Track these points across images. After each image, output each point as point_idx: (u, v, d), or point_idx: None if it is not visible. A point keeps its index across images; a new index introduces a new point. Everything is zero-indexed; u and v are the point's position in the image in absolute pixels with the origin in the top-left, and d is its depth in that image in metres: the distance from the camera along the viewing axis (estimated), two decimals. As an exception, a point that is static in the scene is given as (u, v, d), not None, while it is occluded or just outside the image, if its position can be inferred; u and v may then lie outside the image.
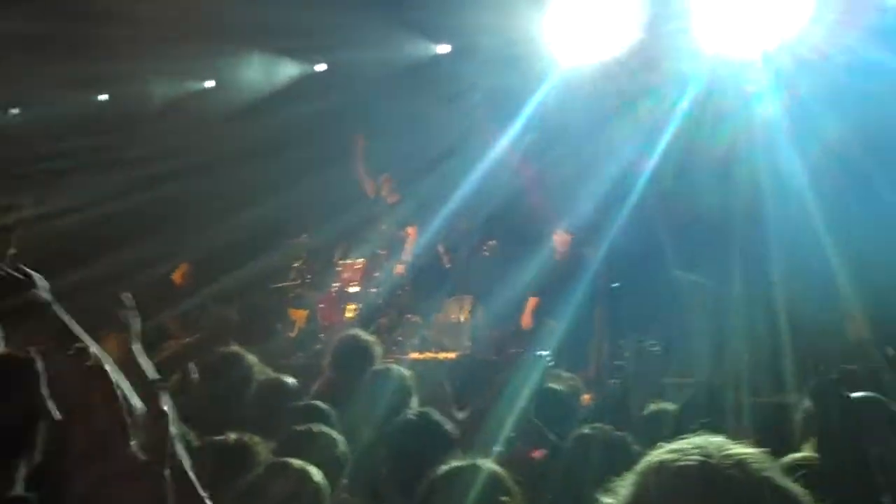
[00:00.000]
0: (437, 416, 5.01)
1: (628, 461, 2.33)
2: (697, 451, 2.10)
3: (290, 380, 5.88)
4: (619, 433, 4.69)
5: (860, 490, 3.17)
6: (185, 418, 4.00)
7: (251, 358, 5.91)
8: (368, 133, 12.78)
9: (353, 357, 6.19)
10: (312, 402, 5.55)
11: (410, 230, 12.27)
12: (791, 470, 3.34)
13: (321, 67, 13.88)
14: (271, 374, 6.06)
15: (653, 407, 5.92)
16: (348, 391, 5.78)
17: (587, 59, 11.76)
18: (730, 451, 2.09)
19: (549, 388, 5.86)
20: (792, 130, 10.52)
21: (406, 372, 5.88)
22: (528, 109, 12.17)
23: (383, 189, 12.55)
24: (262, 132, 12.86)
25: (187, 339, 6.66)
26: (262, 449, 4.43)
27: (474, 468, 3.72)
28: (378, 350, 6.36)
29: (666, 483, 2.08)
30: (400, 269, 12.18)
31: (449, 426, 4.97)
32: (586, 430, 4.76)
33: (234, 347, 6.01)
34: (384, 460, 4.77)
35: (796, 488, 2.11)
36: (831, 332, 9.11)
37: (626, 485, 2.14)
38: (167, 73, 13.46)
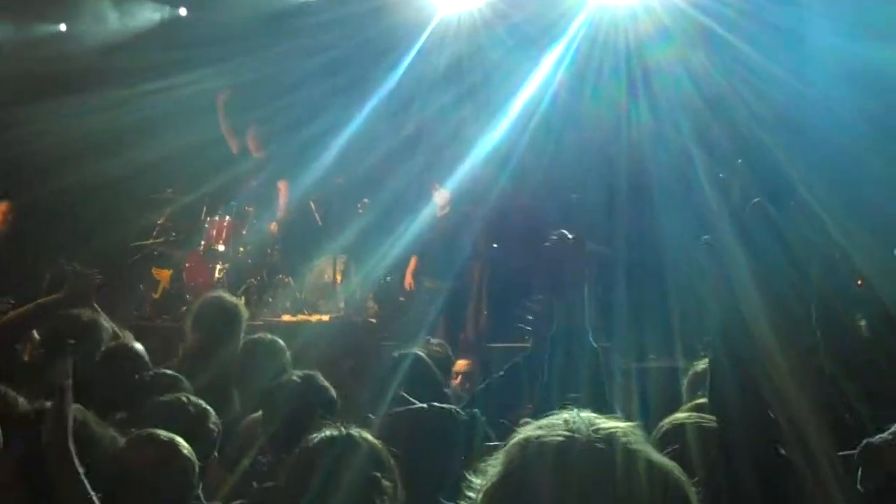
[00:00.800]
0: (321, 379, 4.90)
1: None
2: (565, 426, 1.99)
3: (138, 345, 5.67)
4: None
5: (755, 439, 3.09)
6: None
7: (104, 323, 5.79)
8: (233, 85, 12.19)
9: (217, 319, 6.01)
10: (165, 371, 5.39)
11: (282, 185, 11.81)
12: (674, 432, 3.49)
13: (182, 12, 13.27)
14: (125, 340, 5.87)
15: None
16: (213, 356, 5.68)
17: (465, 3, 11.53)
18: (598, 426, 1.99)
19: (413, 355, 5.58)
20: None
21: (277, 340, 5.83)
22: (405, 60, 11.88)
23: (250, 143, 12.00)
24: (121, 79, 12.17)
25: (41, 300, 6.12)
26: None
27: (349, 439, 3.55)
28: (244, 312, 6.19)
29: (531, 460, 1.98)
30: (273, 226, 11.77)
31: (332, 391, 4.88)
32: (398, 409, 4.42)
33: (88, 311, 5.83)
34: (264, 425, 4.69)
35: (669, 463, 2.01)
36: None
37: (493, 463, 2.03)
38: (11, 13, 12.59)
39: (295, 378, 4.82)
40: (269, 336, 5.89)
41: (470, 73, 11.87)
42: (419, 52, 11.83)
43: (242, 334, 5.96)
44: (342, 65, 12.08)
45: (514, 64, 11.60)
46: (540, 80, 11.47)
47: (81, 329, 5.47)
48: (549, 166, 11.41)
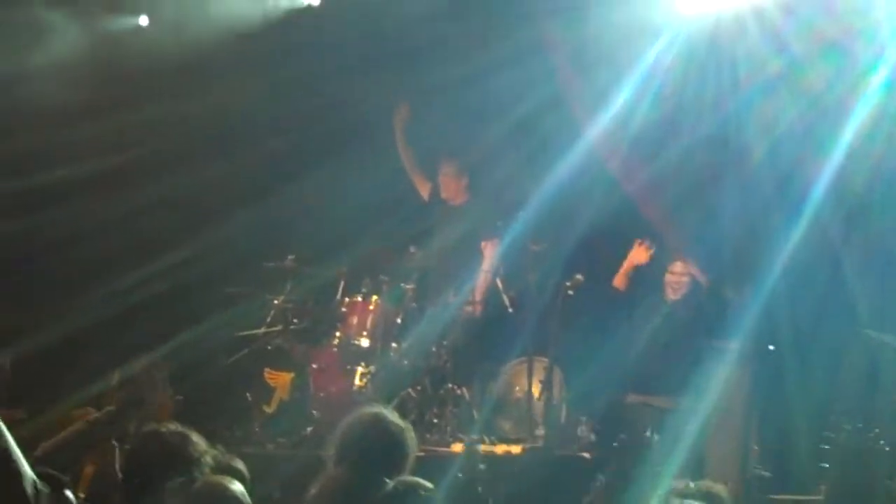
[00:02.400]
0: None
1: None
2: None
3: (236, 487, 4.67)
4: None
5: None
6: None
7: (198, 446, 4.79)
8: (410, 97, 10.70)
9: (374, 450, 4.97)
10: None
11: (487, 245, 10.13)
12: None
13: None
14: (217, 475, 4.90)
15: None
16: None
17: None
18: None
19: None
20: None
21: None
22: (638, 74, 9.86)
23: (445, 184, 10.41)
24: (229, 91, 10.59)
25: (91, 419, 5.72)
26: None
27: None
28: (412, 441, 5.15)
29: None
30: (474, 309, 10.05)
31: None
32: None
33: (173, 427, 4.85)
34: None
35: None
36: None
37: None
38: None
39: None
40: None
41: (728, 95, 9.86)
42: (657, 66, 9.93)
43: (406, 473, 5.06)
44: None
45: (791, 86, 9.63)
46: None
47: (171, 456, 4.71)
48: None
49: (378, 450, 5.11)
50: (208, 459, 5.04)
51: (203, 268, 10.73)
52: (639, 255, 9.80)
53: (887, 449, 7.93)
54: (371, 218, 10.77)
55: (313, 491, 5.26)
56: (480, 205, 10.59)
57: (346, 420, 5.43)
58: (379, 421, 5.27)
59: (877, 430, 7.98)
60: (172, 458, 4.84)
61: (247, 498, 4.86)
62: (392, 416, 5.36)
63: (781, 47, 9.53)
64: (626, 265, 9.87)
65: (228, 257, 10.66)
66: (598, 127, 9.98)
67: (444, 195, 10.72)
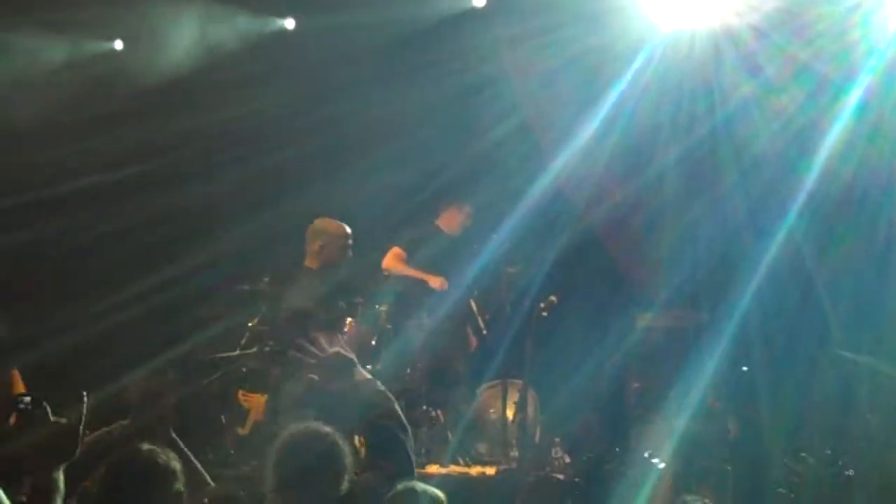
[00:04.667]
0: None
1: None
2: None
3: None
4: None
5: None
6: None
7: (178, 464, 4.86)
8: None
9: (321, 468, 4.99)
10: None
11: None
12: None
13: (290, 24, 11.21)
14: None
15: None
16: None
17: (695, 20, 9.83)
18: None
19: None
20: None
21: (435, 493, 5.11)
22: (615, 91, 9.93)
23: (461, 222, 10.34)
24: (204, 114, 10.54)
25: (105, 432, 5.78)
26: None
27: None
28: (343, 451, 5.10)
29: None
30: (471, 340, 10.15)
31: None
32: None
33: (155, 448, 4.88)
34: None
35: None
36: None
37: None
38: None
39: None
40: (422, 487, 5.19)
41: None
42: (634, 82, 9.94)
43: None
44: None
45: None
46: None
47: (150, 474, 4.77)
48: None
49: (312, 469, 5.05)
50: (182, 477, 4.99)
51: (177, 291, 10.52)
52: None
53: (851, 474, 7.88)
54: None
55: None
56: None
57: (276, 444, 5.37)
58: (312, 432, 5.24)
59: (841, 462, 7.91)
60: (149, 477, 4.81)
61: None
62: (326, 429, 5.31)
63: (754, 70, 9.44)
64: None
65: (203, 280, 10.48)
66: (570, 153, 9.77)
67: (448, 230, 10.41)
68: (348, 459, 5.29)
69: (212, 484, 5.90)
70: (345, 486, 5.17)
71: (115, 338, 10.23)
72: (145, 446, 5.05)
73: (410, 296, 10.36)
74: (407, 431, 6.66)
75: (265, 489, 5.30)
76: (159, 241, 10.51)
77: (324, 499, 5.13)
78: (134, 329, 10.38)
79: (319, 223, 8.13)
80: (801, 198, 9.05)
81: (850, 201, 9.10)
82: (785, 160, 9.24)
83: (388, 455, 6.23)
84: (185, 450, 5.79)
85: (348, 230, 8.00)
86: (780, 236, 9.04)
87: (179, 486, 5.02)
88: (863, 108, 9.01)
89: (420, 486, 4.87)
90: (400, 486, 4.81)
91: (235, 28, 11.08)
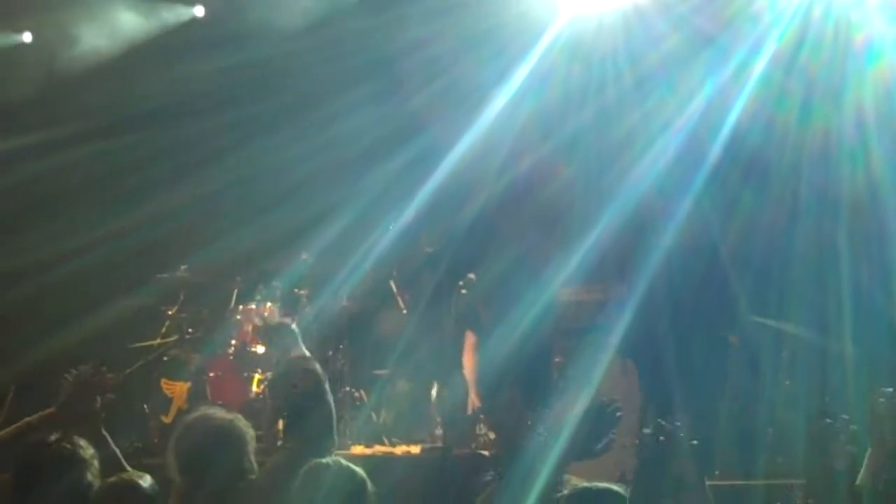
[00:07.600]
0: None
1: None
2: None
3: (146, 482, 4.87)
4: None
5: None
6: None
7: (87, 453, 4.94)
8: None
9: (215, 451, 4.99)
10: None
11: None
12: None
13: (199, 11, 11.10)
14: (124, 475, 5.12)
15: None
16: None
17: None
18: None
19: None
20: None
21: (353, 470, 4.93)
22: (524, 70, 10.00)
23: None
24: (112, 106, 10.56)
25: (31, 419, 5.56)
26: None
27: None
28: (243, 436, 5.20)
29: None
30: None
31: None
32: None
33: (66, 440, 4.96)
34: None
35: None
36: None
37: None
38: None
39: None
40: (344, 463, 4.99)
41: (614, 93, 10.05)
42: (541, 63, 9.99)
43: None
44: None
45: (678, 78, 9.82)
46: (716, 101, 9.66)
47: (56, 464, 4.87)
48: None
49: (206, 453, 5.03)
50: (96, 463, 5.05)
51: (96, 280, 10.54)
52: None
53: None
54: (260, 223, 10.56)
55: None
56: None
57: (183, 424, 5.40)
58: (208, 418, 5.20)
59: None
60: (56, 467, 4.87)
61: (156, 491, 4.94)
62: (222, 414, 5.31)
63: (660, 40, 9.58)
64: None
65: (121, 270, 10.50)
66: (482, 126, 9.88)
67: None
68: (249, 443, 5.30)
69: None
70: (249, 466, 5.19)
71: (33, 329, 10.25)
72: (52, 437, 5.08)
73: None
74: (326, 408, 6.69)
75: (170, 475, 5.32)
76: (71, 233, 10.39)
77: (226, 479, 5.14)
78: (52, 319, 10.33)
79: None
80: (707, 168, 9.11)
81: (754, 170, 9.17)
82: (692, 128, 9.28)
83: (304, 428, 6.21)
84: (110, 441, 5.67)
85: None
86: (685, 206, 9.00)
87: (90, 475, 5.03)
88: (768, 78, 9.11)
89: (335, 461, 4.83)
90: (312, 462, 4.74)
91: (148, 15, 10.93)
